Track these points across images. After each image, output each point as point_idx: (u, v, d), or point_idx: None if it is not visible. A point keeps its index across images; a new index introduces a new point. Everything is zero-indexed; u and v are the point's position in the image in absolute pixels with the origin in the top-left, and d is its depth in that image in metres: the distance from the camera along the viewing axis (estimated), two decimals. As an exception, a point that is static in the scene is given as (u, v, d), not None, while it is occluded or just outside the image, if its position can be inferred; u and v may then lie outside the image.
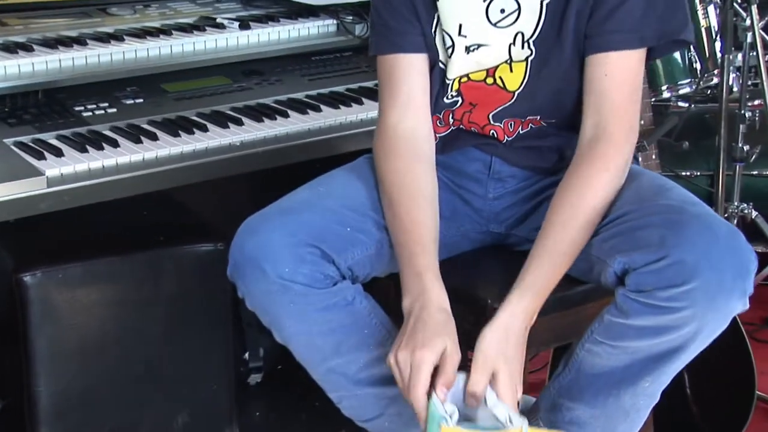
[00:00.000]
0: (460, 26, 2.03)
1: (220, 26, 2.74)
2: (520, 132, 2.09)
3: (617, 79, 1.97)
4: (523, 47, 2.02)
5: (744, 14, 3.24)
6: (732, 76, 3.32)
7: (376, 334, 1.97)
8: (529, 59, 2.03)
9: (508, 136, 2.09)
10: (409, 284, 1.91)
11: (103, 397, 2.73)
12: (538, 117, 2.07)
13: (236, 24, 2.76)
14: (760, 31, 3.31)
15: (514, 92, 2.05)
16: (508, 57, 2.04)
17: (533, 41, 2.01)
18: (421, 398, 1.77)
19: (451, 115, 2.11)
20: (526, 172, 2.12)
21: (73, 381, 2.69)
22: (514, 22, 2.01)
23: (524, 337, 1.86)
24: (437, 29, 2.08)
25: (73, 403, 2.70)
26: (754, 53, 3.29)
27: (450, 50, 2.06)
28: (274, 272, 1.85)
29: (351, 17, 2.88)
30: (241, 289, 1.94)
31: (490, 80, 2.06)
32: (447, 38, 2.06)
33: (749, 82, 3.35)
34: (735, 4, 3.22)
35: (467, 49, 2.04)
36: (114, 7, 2.78)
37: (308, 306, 1.88)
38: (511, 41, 2.02)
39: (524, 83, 2.04)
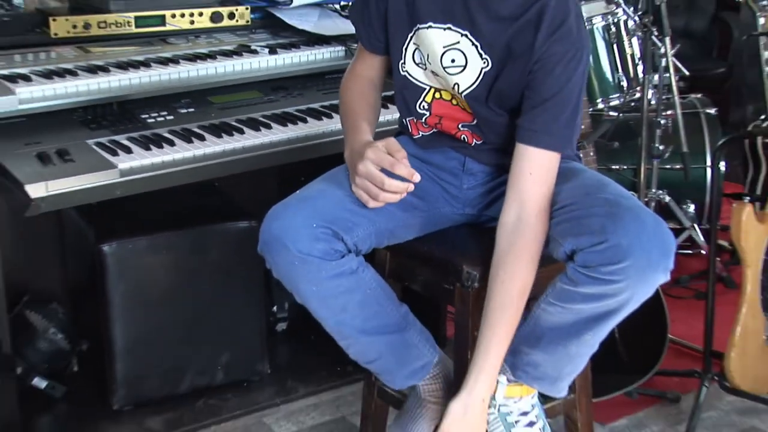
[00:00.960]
0: (427, 55, 1.98)
1: (254, 52, 2.72)
2: (480, 143, 2.05)
3: (539, 178, 1.91)
4: (459, 95, 1.98)
5: (659, 44, 3.24)
6: (650, 92, 3.32)
7: (375, 294, 1.96)
8: (467, 102, 1.99)
9: (476, 141, 2.05)
10: (348, 141, 1.98)
11: (163, 340, 2.75)
12: (492, 136, 2.03)
13: (266, 50, 2.74)
14: (672, 58, 3.33)
15: (472, 115, 2.00)
16: (455, 91, 1.99)
17: (465, 95, 1.96)
18: (385, 181, 1.83)
19: (425, 123, 2.06)
20: (492, 168, 2.08)
21: (140, 327, 2.71)
22: (458, 74, 1.95)
23: (483, 407, 1.92)
24: (408, 47, 2.02)
25: (140, 345, 2.72)
26: (667, 74, 3.29)
27: (422, 65, 2.01)
28: (295, 248, 1.83)
29: (355, 44, 2.84)
30: (268, 262, 1.92)
31: (454, 101, 2.01)
32: (418, 57, 2.01)
33: (663, 97, 3.34)
34: (653, 36, 3.21)
35: (431, 71, 2.00)
36: (172, 38, 2.77)
37: (322, 274, 1.87)
38: (452, 86, 1.97)
39: (474, 116, 2.00)
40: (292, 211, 1.89)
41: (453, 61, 1.94)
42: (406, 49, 2.01)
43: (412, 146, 2.09)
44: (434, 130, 2.08)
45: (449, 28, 1.93)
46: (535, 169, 1.90)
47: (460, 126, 2.03)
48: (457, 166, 2.09)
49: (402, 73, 2.03)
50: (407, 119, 2.10)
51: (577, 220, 1.80)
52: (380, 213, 1.96)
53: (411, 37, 1.99)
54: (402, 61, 2.02)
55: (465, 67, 1.94)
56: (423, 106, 2.04)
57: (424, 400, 2.06)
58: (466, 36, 1.92)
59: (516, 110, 1.93)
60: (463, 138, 2.05)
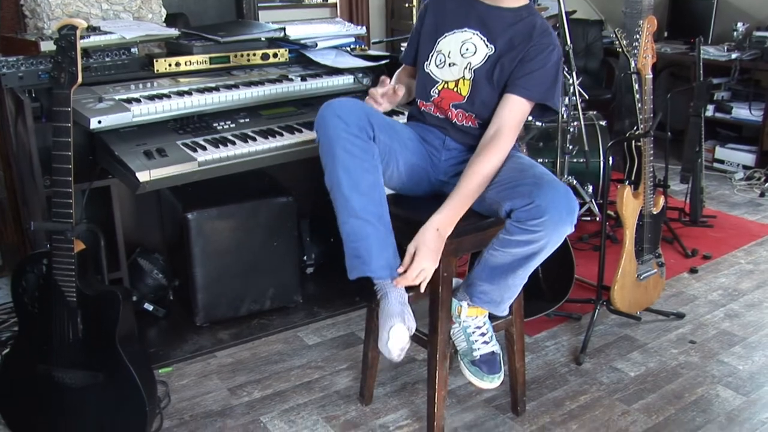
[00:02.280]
0: (449, 52, 2.01)
1: (291, 80, 2.70)
2: (464, 123, 2.04)
3: (514, 114, 1.94)
4: (470, 72, 1.98)
5: (569, 77, 3.22)
6: (563, 109, 3.31)
7: (380, 190, 1.87)
8: (472, 80, 1.99)
9: (457, 122, 2.05)
10: None
11: (229, 278, 2.74)
12: (474, 116, 2.02)
13: (299, 78, 2.72)
14: (577, 86, 3.29)
15: (464, 96, 2.01)
16: (462, 75, 2.00)
17: (475, 70, 1.97)
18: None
19: (431, 102, 2.06)
20: (465, 147, 2.07)
21: (213, 270, 2.70)
22: (471, 56, 1.98)
23: (440, 237, 1.84)
24: (433, 54, 2.05)
25: (213, 282, 2.72)
26: (574, 97, 3.28)
27: (441, 65, 2.03)
28: (346, 125, 1.80)
29: (361, 74, 2.85)
30: (320, 135, 1.84)
31: (455, 88, 2.01)
32: (440, 59, 2.03)
33: (572, 112, 3.33)
34: (564, 71, 3.20)
35: (449, 65, 2.02)
36: (234, 71, 2.75)
37: (356, 145, 1.80)
38: (466, 65, 1.99)
39: (469, 93, 2.00)
40: (348, 102, 1.85)
41: (467, 49, 1.99)
42: (431, 56, 2.05)
43: (417, 128, 2.10)
44: (431, 112, 2.08)
45: (465, 30, 2.00)
46: (514, 108, 1.93)
47: (452, 105, 2.03)
48: (439, 143, 2.09)
49: (426, 70, 2.06)
50: (419, 100, 2.11)
51: (513, 188, 1.81)
52: (395, 139, 1.96)
53: (435, 47, 2.04)
54: (427, 62, 2.06)
55: (475, 52, 1.98)
56: (434, 92, 2.05)
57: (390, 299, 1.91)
58: (477, 33, 1.99)
59: (503, 90, 1.96)
60: (449, 116, 2.04)
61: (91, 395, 1.88)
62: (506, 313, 2.03)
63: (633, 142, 3.25)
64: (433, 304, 1.99)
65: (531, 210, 1.73)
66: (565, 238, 2.76)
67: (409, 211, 1.99)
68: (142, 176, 2.12)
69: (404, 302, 1.87)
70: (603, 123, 3.69)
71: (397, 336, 1.82)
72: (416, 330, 2.06)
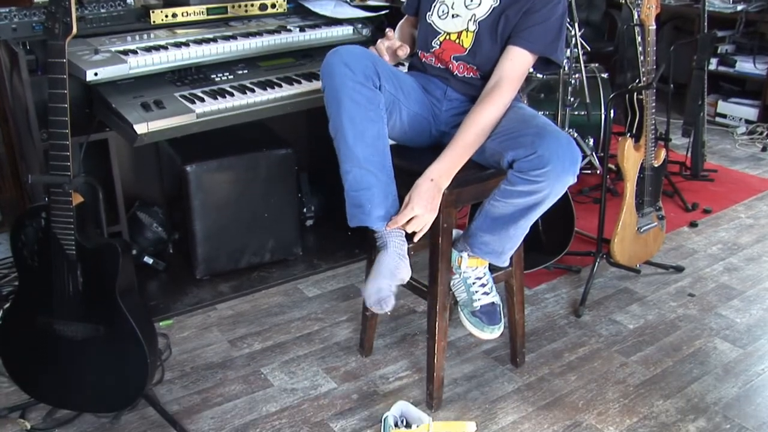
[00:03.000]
0: (452, 4, 1.99)
1: (289, 30, 2.65)
2: (465, 75, 2.02)
3: (516, 66, 1.91)
4: (474, 24, 1.95)
5: (571, 29, 3.18)
6: (565, 61, 3.27)
7: (384, 141, 1.84)
8: (475, 32, 1.96)
9: (458, 73, 2.02)
10: None
11: (229, 231, 2.74)
12: (476, 68, 1.99)
13: (298, 29, 2.67)
14: (579, 38, 3.26)
15: (466, 49, 1.98)
16: (465, 27, 1.96)
17: (479, 21, 1.94)
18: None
19: (432, 53, 2.04)
20: (465, 98, 2.04)
21: (213, 223, 2.70)
22: (476, 8, 1.95)
23: (436, 186, 1.82)
24: (437, 5, 2.02)
25: (213, 234, 2.72)
26: (576, 49, 3.25)
27: (443, 16, 2.00)
28: (352, 73, 1.77)
29: (360, 25, 2.80)
30: (326, 81, 1.80)
31: (457, 40, 1.98)
32: (443, 9, 2.00)
33: (573, 65, 3.29)
34: (566, 22, 3.15)
35: (452, 16, 1.98)
36: (232, 22, 2.69)
37: (362, 93, 1.78)
38: (470, 17, 1.96)
39: (471, 45, 1.97)
40: (355, 49, 1.82)
41: (472, 0, 1.96)
42: (434, 6, 2.02)
43: (419, 77, 2.08)
44: (431, 63, 2.06)
45: None
46: (516, 60, 1.91)
47: (453, 57, 2.00)
48: (441, 93, 2.07)
49: (428, 21, 2.03)
50: (420, 51, 2.09)
51: (515, 138, 1.79)
52: (399, 89, 1.94)
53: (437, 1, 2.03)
54: (430, 12, 2.03)
55: (480, 4, 1.95)
56: (436, 43, 2.02)
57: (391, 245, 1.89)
58: None
59: (506, 43, 1.93)
60: (450, 67, 2.02)
61: (93, 348, 1.88)
62: (507, 264, 2.03)
63: (635, 94, 3.23)
64: (432, 255, 1.99)
65: (533, 160, 1.72)
66: (566, 191, 2.77)
67: (410, 162, 1.96)
68: (140, 128, 2.09)
69: (402, 254, 1.86)
70: (605, 75, 3.65)
71: (380, 296, 1.82)
72: (416, 281, 2.07)
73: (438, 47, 2.02)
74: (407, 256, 1.88)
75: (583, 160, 3.59)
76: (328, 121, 1.85)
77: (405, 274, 1.86)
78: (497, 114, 1.88)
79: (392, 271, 1.83)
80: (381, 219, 1.84)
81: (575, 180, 1.76)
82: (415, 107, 2.01)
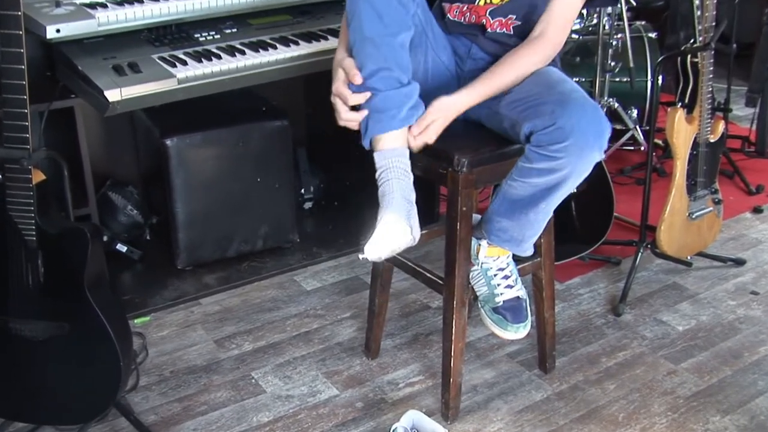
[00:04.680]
0: None
1: (285, -18, 2.64)
2: (497, 30, 2.01)
3: (564, 8, 1.93)
4: None
5: (614, -21, 3.17)
6: (605, 18, 3.25)
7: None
8: None
9: (490, 29, 2.02)
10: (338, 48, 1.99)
11: (215, 214, 2.76)
12: (514, 17, 1.98)
13: (295, -18, 2.66)
14: (624, -10, 3.25)
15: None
16: None
17: None
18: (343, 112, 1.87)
19: (468, 7, 2.03)
20: (491, 58, 2.03)
21: (197, 205, 2.71)
22: None
23: (455, 107, 1.88)
24: None
25: (197, 219, 2.73)
26: (619, 4, 3.22)
27: None
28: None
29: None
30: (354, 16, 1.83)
31: None
32: None
33: (615, 23, 3.27)
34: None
35: None
36: (217, -28, 2.68)
37: (388, 10, 1.80)
38: None
39: None
40: None
41: None
42: None
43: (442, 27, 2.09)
44: (468, 12, 2.04)
45: None
46: (564, 4, 1.93)
47: (488, 12, 2.00)
48: (464, 51, 2.07)
49: None
50: (446, 4, 2.08)
51: (535, 107, 1.79)
52: (430, 26, 1.98)
53: None
54: None
55: None
56: None
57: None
58: None
59: None
60: (483, 23, 2.02)
61: (56, 350, 1.88)
62: (530, 253, 2.02)
63: (689, 57, 3.20)
64: (449, 243, 1.98)
65: (552, 132, 1.72)
66: (604, 170, 2.77)
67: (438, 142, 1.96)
68: (112, 95, 2.08)
69: (411, 201, 1.85)
70: (653, 35, 3.64)
71: (392, 233, 1.79)
72: (430, 273, 2.06)
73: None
74: (416, 207, 1.86)
75: (624, 134, 3.57)
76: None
77: (415, 224, 1.84)
78: (538, 62, 1.92)
79: (407, 215, 1.82)
80: (404, 119, 1.85)
81: (602, 156, 1.75)
82: (442, 55, 2.03)
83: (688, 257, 2.82)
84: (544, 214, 1.91)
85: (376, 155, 1.86)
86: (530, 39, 1.94)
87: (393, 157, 1.84)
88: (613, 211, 2.80)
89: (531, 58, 1.91)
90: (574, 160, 1.74)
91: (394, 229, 1.79)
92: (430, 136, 1.87)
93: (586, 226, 2.82)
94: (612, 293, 2.70)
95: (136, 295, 2.64)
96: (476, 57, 2.05)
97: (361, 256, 1.81)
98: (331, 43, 2.45)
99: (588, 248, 2.81)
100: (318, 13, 2.62)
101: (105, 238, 2.75)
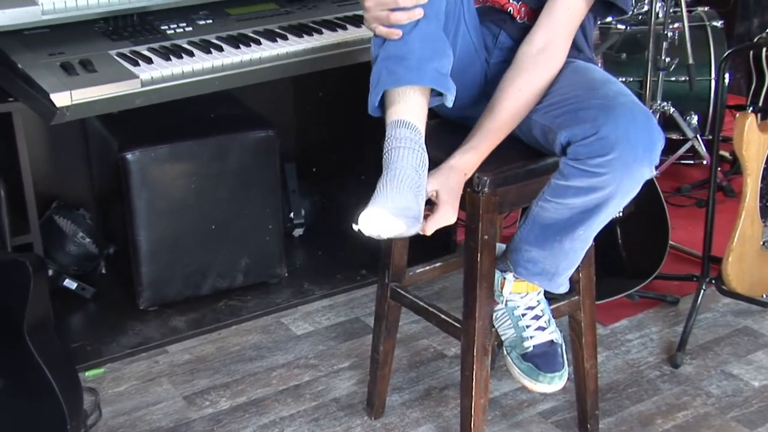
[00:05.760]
0: None
1: (270, -38, 2.68)
2: (526, 21, 2.03)
3: (572, 13, 1.94)
4: None
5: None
6: (659, 4, 3.27)
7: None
8: None
9: (519, 19, 2.05)
10: None
11: (186, 244, 2.77)
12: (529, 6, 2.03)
13: (282, -40, 2.69)
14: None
15: None
16: None
17: None
18: None
19: None
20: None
21: (164, 232, 2.73)
22: None
23: (461, 180, 1.87)
24: None
25: (164, 248, 2.74)
26: (676, -12, 3.24)
27: None
28: None
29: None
30: None
31: None
32: None
33: (671, 9, 3.28)
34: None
35: None
36: (189, -50, 2.71)
37: None
38: None
39: None
40: None
41: None
42: None
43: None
44: (488, 3, 2.09)
45: None
46: (572, 5, 1.94)
47: None
48: (491, 39, 2.09)
49: None
50: None
51: (574, 112, 1.80)
52: (461, 4, 1.97)
53: None
54: None
55: None
56: None
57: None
58: None
59: None
60: (510, 11, 2.05)
61: (-9, 407, 1.90)
62: (565, 290, 2.02)
63: (762, 51, 3.21)
64: (468, 278, 1.99)
65: (594, 143, 1.72)
66: (657, 189, 2.77)
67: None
68: (60, 99, 2.09)
69: (422, 173, 1.82)
70: (718, 24, 3.63)
71: (391, 218, 1.75)
72: (445, 314, 2.07)
73: None
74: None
75: (680, 145, 3.58)
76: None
77: (422, 196, 1.81)
78: (548, 77, 1.93)
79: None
80: (433, 78, 1.83)
81: (653, 173, 1.75)
82: (473, 34, 2.04)
83: (764, 296, 2.82)
84: (582, 242, 1.92)
85: (387, 126, 1.84)
86: (530, 54, 1.94)
87: (406, 128, 1.83)
88: (669, 238, 2.79)
89: (540, 77, 1.91)
90: (619, 177, 1.74)
91: (396, 208, 1.74)
92: (450, 219, 1.86)
93: (634, 258, 2.82)
94: (668, 339, 2.70)
95: (87, 341, 2.65)
96: (504, 46, 2.07)
97: (355, 227, 1.78)
98: (326, 38, 2.47)
99: (637, 284, 2.81)
100: (310, 2, 2.65)
101: (50, 273, 2.75)
